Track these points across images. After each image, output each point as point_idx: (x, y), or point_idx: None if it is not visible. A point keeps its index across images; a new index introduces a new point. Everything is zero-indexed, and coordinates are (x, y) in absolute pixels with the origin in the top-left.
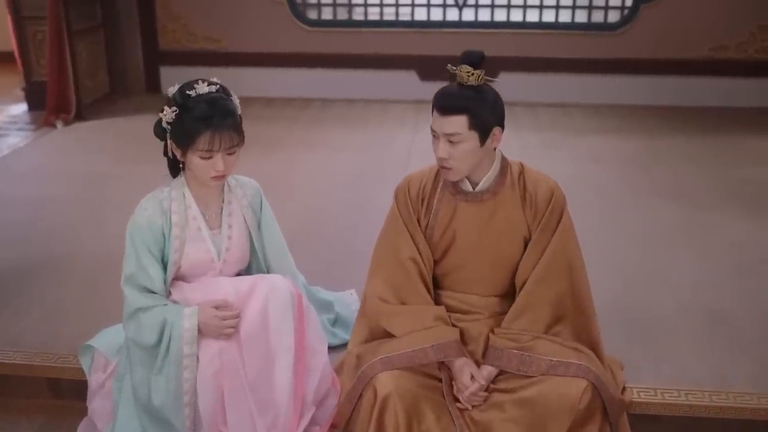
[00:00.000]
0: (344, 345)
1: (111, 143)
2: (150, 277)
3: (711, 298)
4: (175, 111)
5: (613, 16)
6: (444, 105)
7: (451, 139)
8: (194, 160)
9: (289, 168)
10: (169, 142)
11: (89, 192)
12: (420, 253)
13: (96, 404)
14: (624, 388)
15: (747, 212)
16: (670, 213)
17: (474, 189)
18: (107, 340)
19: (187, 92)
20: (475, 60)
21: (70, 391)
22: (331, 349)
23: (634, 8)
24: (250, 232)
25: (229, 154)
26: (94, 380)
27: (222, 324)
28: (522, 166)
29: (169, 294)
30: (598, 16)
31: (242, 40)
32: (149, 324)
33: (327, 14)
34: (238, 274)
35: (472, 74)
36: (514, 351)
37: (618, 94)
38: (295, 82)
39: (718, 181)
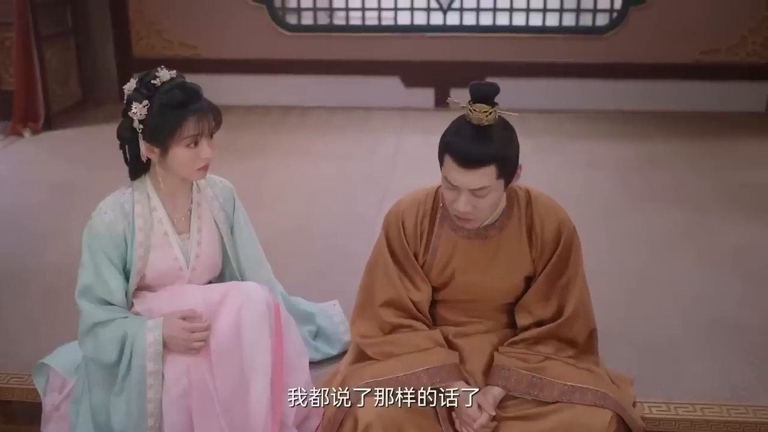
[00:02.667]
0: (327, 360)
1: (81, 152)
2: (109, 289)
3: (719, 306)
4: (147, 105)
5: (602, 20)
6: (468, 157)
7: (477, 193)
8: (178, 153)
9: (269, 176)
10: (141, 144)
11: (55, 202)
12: (417, 287)
13: (51, 429)
14: (634, 403)
15: (748, 216)
16: (670, 217)
17: (477, 226)
18: (64, 358)
19: (152, 82)
20: (490, 95)
21: (22, 415)
22: (313, 364)
23: (623, 11)
24: (222, 237)
25: (211, 137)
26: (48, 402)
27: (190, 337)
28: (529, 194)
29: (131, 306)
30: (586, 20)
31: (219, 46)
32: (108, 339)
33: (307, 19)
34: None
35: (489, 113)
36: (524, 372)
37: (608, 98)
38: (274, 89)
39: (716, 185)
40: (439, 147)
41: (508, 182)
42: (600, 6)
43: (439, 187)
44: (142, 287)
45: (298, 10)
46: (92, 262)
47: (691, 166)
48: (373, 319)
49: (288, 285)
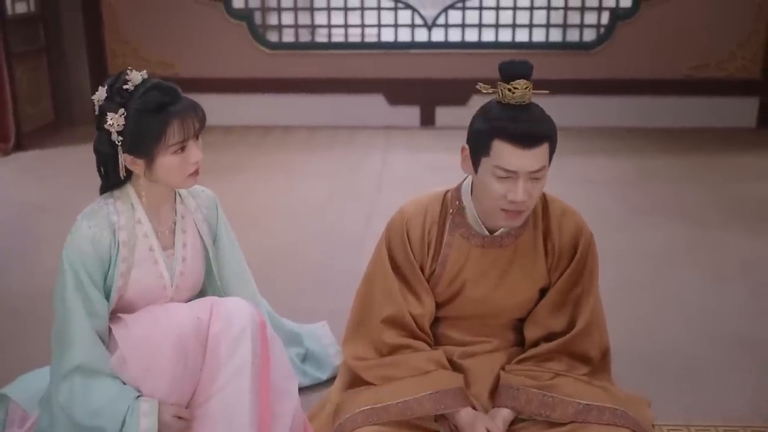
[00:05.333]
0: (317, 385)
1: (52, 173)
2: (94, 313)
3: (730, 321)
4: (123, 114)
5: (589, 35)
6: (528, 135)
7: (535, 176)
8: (166, 161)
9: (251, 195)
10: (122, 158)
11: (23, 224)
12: (421, 301)
13: None
14: (653, 426)
15: (752, 229)
16: (673, 232)
17: (492, 233)
18: (26, 388)
19: (124, 87)
20: (527, 72)
21: None
22: (301, 390)
23: (611, 26)
24: (206, 251)
25: (197, 138)
26: None
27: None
28: (545, 198)
29: (108, 332)
30: (573, 35)
31: (198, 64)
32: (87, 401)
33: (288, 36)
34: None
35: (528, 89)
36: (534, 390)
37: (598, 115)
38: (255, 108)
39: (716, 199)
40: (480, 135)
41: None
42: (587, 21)
43: (446, 192)
44: (118, 307)
45: (279, 28)
46: (76, 285)
47: (689, 180)
48: (369, 338)
49: (272, 306)
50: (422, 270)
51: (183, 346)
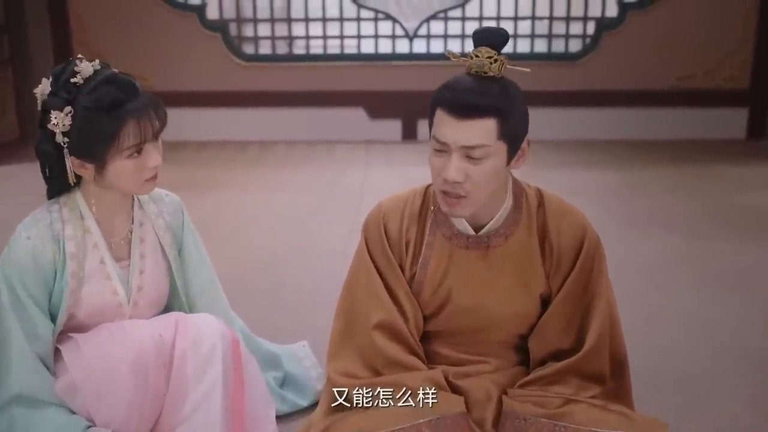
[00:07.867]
0: (297, 413)
1: (18, 191)
2: (36, 335)
3: (734, 333)
4: (70, 112)
5: (575, 46)
6: (464, 103)
7: (471, 154)
8: (119, 167)
9: (226, 210)
10: (69, 161)
11: None
12: (404, 311)
13: None
14: None
15: (748, 239)
16: (667, 243)
17: (478, 232)
18: None
19: (72, 81)
20: (498, 41)
21: None
22: (280, 418)
23: (597, 36)
24: (169, 263)
25: (156, 138)
26: None
27: None
28: (541, 195)
29: (56, 353)
30: (558, 46)
31: (171, 77)
32: None
33: (265, 48)
34: None
35: (496, 60)
36: (544, 420)
37: (584, 127)
38: (230, 123)
39: (708, 210)
40: (430, 105)
41: (511, 153)
42: (572, 32)
43: (428, 186)
44: (70, 327)
45: (256, 39)
46: (13, 304)
47: (680, 191)
48: (358, 350)
49: (248, 325)
50: (402, 271)
51: (143, 367)
